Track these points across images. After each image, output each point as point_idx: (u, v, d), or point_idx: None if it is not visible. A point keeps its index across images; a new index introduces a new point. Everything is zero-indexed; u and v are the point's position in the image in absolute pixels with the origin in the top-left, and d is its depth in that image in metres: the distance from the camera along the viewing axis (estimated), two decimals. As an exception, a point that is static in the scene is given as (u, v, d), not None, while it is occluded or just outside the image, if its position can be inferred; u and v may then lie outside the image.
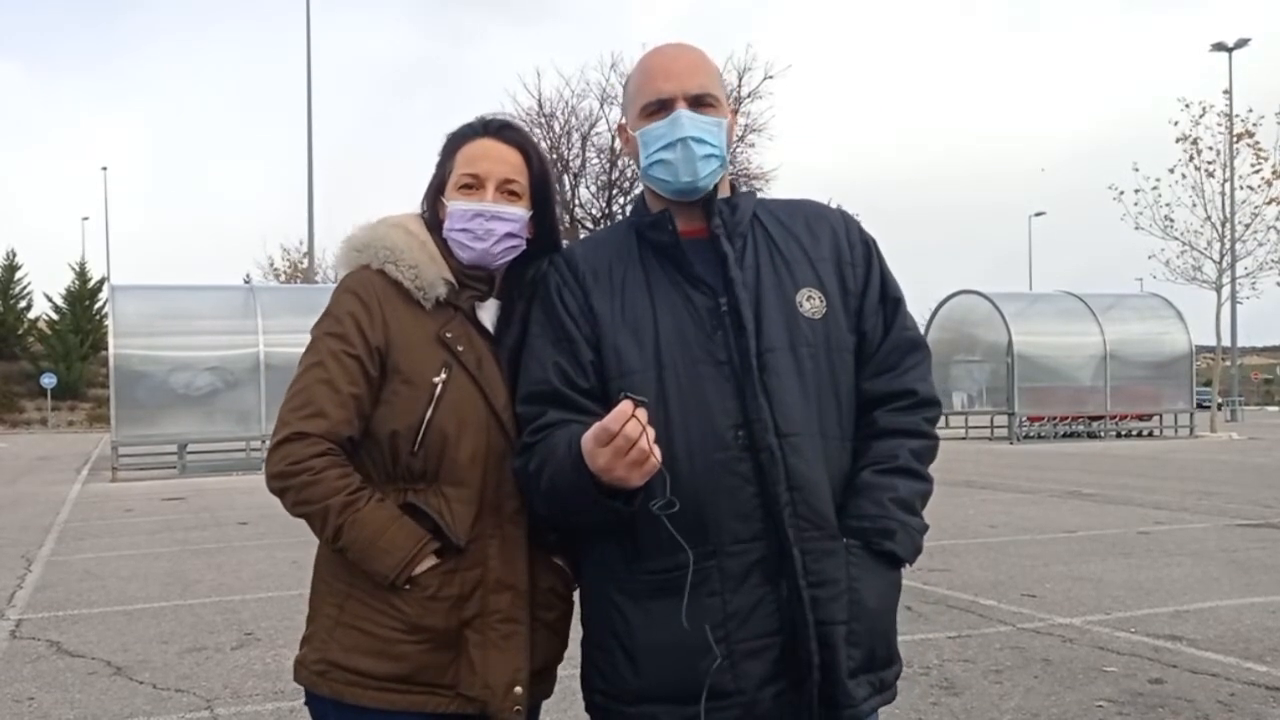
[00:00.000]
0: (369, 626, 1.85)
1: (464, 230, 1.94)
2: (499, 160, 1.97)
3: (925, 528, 1.87)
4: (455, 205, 1.95)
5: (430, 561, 1.84)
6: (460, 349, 1.90)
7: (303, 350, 1.93)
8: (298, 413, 1.84)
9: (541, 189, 2.01)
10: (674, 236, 1.86)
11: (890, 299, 1.95)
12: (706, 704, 1.74)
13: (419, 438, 1.86)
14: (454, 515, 1.86)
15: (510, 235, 1.96)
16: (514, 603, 1.89)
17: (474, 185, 1.96)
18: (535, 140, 2.07)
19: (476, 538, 1.88)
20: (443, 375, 1.87)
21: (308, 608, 1.95)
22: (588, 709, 1.91)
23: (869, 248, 1.97)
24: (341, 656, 1.86)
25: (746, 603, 1.76)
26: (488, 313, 1.99)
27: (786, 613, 1.75)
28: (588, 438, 1.65)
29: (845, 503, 1.83)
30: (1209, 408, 29.19)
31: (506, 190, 1.96)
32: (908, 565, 1.86)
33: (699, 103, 1.86)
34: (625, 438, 1.59)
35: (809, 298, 1.87)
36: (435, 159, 2.04)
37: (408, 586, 1.83)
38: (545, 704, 2.04)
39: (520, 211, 1.97)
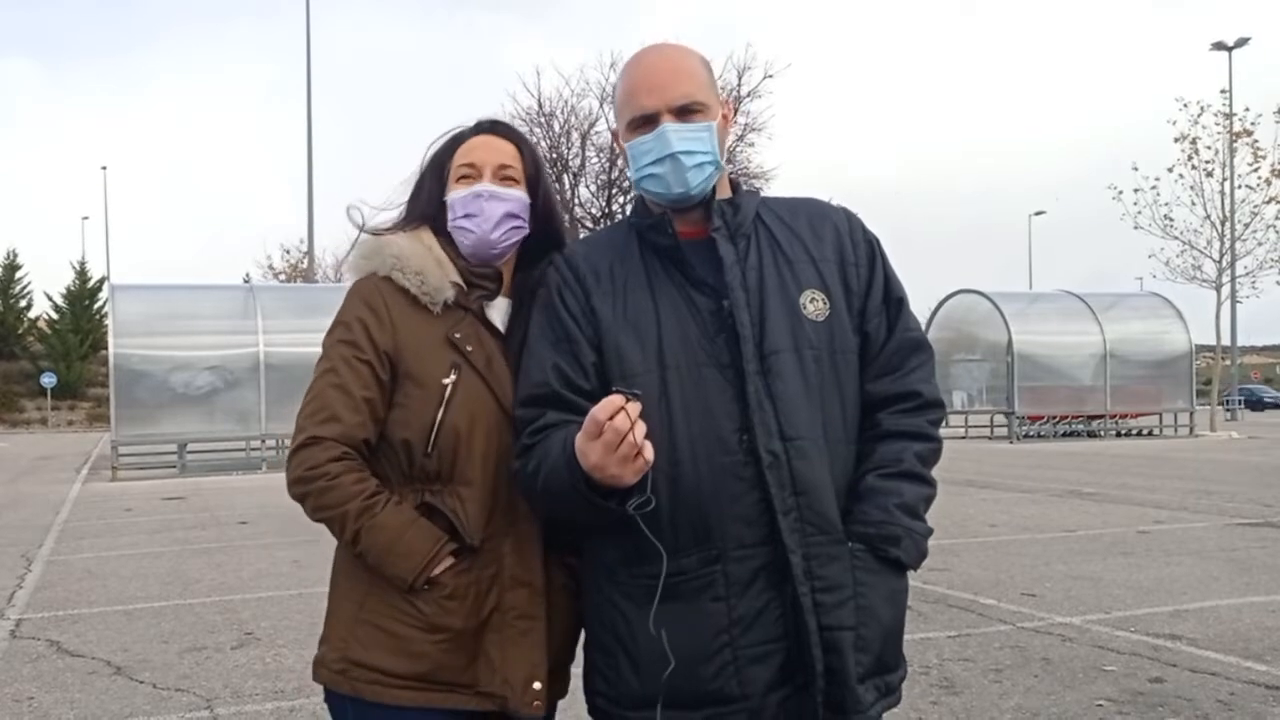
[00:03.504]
0: (388, 624, 1.87)
1: (465, 216, 1.98)
2: (494, 150, 2.01)
3: (929, 532, 1.86)
4: (454, 195, 2.00)
5: (448, 562, 1.86)
6: (469, 349, 1.92)
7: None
8: (313, 418, 1.87)
9: (537, 179, 2.04)
10: (674, 239, 1.85)
11: (894, 299, 1.92)
12: (713, 710, 1.73)
13: (432, 438, 1.88)
14: (468, 515, 1.87)
15: (510, 215, 1.98)
16: (530, 599, 1.90)
17: (471, 175, 2.00)
18: (527, 137, 2.12)
19: (491, 536, 1.90)
20: (452, 376, 1.90)
21: (326, 607, 1.96)
22: (590, 712, 1.90)
23: (873, 247, 1.95)
24: (361, 654, 1.87)
25: (752, 608, 1.74)
26: (498, 312, 2.02)
27: (791, 618, 1.74)
28: (579, 434, 1.64)
29: (850, 507, 1.81)
30: (1208, 405, 29.19)
31: (503, 176, 2.00)
32: (912, 571, 1.85)
33: (684, 112, 1.83)
34: (614, 430, 1.57)
35: (812, 299, 1.85)
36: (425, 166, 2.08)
37: (426, 587, 1.85)
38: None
39: (518, 194, 2.00)
